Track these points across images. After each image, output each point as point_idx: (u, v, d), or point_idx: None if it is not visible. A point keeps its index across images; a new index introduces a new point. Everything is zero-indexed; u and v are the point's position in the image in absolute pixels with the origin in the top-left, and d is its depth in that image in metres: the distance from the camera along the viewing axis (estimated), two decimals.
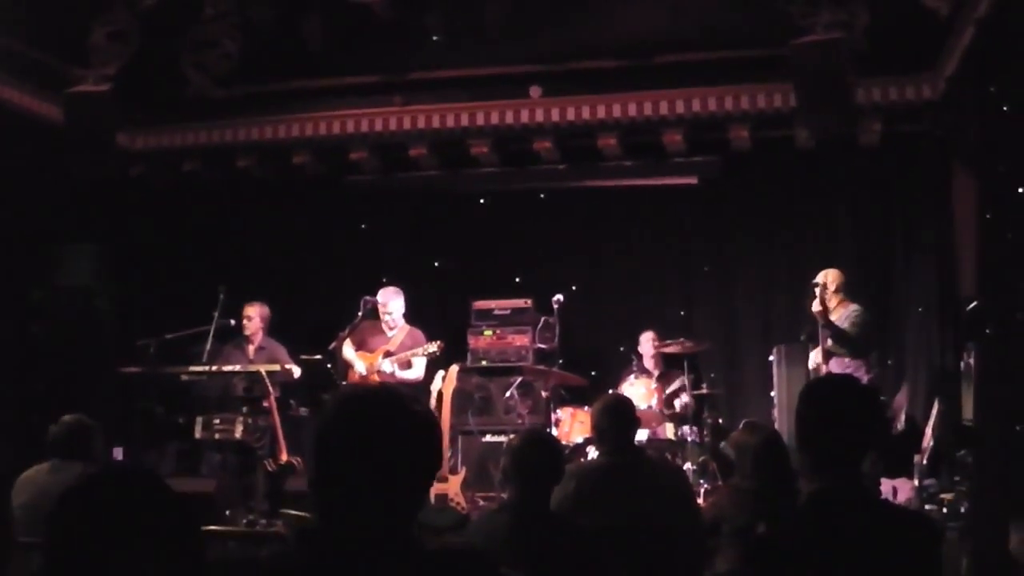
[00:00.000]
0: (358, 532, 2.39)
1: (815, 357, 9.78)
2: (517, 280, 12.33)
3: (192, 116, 11.82)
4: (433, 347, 10.17)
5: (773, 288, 11.95)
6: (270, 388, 9.59)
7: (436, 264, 12.66)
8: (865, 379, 9.25)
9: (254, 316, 10.73)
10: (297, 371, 10.19)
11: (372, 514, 2.40)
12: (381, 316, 10.57)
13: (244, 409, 9.85)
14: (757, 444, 6.26)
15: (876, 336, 10.34)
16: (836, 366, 9.54)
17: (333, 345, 10.25)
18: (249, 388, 9.92)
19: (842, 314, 9.69)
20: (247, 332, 10.71)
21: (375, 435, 2.43)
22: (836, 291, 9.78)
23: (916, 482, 9.42)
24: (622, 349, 11.84)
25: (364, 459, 2.40)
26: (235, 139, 12.06)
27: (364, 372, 10.30)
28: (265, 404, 9.68)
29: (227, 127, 12.01)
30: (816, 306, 9.53)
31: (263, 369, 9.77)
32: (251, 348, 10.71)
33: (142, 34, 9.72)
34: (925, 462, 9.61)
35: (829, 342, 9.64)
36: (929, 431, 9.85)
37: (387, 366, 10.29)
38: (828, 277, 9.80)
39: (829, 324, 9.54)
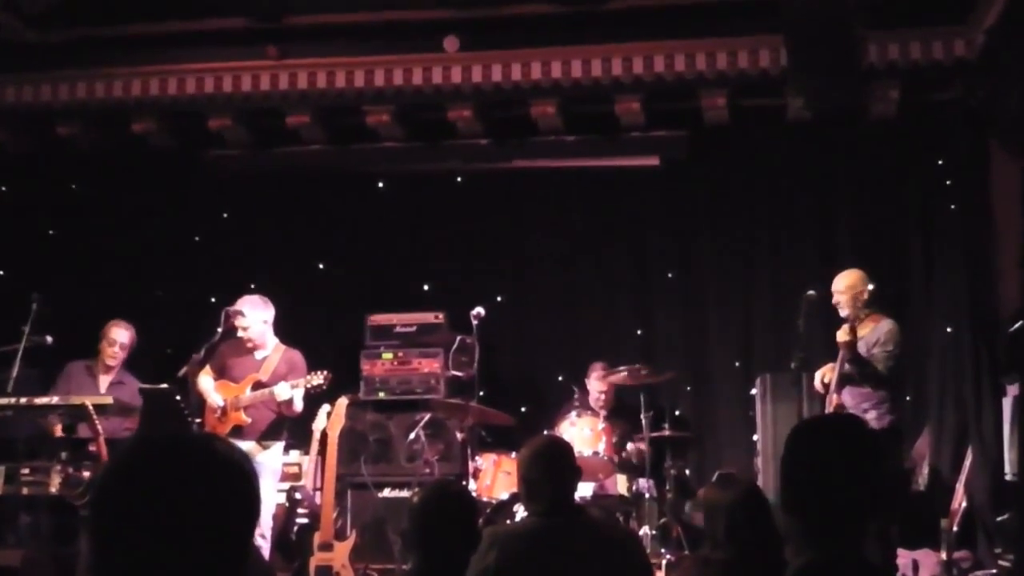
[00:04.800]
0: None
1: (823, 377, 9.63)
2: (425, 288, 12.34)
3: None
4: (318, 379, 9.93)
5: (755, 301, 12.01)
6: (99, 427, 9.44)
7: (321, 266, 12.61)
8: (887, 419, 9.17)
9: (126, 342, 10.74)
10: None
11: None
12: (238, 331, 10.41)
13: (63, 455, 9.70)
14: (732, 503, 6.24)
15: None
16: (851, 397, 9.39)
17: (184, 371, 10.11)
18: (70, 427, 9.78)
19: (872, 333, 9.50)
20: (109, 361, 10.70)
21: (165, 494, 2.34)
22: (865, 303, 9.56)
23: (943, 554, 9.47)
24: (560, 378, 11.84)
25: (154, 528, 2.30)
26: (54, 98, 11.90)
27: (223, 407, 10.16)
28: (92, 448, 9.54)
29: (43, 82, 11.85)
30: (843, 335, 9.32)
31: (89, 401, 9.60)
32: (105, 380, 10.65)
33: None
34: (955, 528, 9.67)
35: (847, 367, 9.48)
36: (960, 488, 9.91)
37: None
38: (853, 279, 9.56)
39: (857, 359, 9.32)
